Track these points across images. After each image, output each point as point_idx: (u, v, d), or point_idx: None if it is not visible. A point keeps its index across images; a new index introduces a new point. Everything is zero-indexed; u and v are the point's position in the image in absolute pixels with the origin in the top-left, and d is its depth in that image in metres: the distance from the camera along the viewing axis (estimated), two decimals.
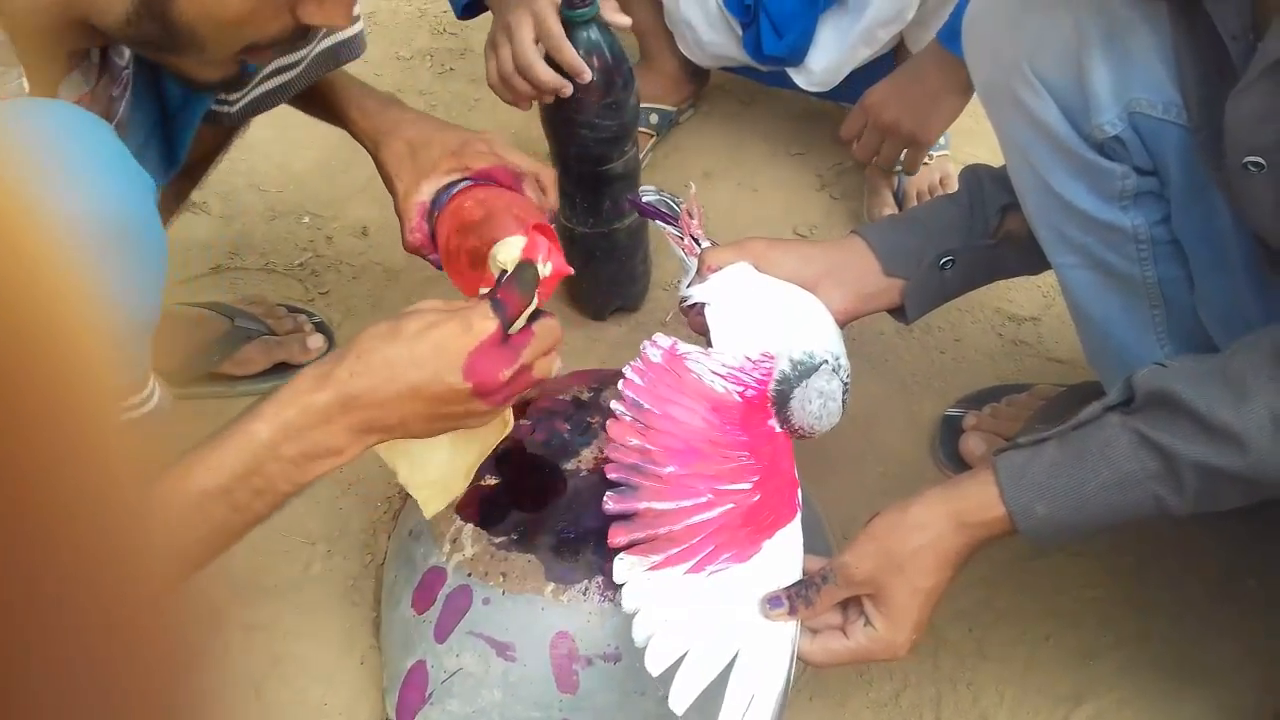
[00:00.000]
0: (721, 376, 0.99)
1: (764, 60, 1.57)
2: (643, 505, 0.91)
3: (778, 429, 0.99)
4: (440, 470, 0.94)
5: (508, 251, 0.92)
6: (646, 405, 0.95)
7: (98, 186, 0.78)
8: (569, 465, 1.09)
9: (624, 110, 1.26)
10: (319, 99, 1.21)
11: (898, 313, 1.14)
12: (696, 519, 0.91)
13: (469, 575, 1.03)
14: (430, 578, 1.06)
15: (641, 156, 1.64)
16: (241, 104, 1.16)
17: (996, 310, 1.48)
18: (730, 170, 1.69)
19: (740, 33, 1.58)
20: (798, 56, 1.55)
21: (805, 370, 0.99)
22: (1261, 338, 0.86)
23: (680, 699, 0.85)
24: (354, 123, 1.20)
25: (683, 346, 1.00)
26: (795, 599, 0.91)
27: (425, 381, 0.82)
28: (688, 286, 1.07)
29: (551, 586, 1.01)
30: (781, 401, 0.99)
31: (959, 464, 1.29)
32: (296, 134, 1.50)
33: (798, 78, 1.58)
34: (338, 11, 0.92)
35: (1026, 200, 1.07)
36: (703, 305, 1.05)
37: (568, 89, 1.21)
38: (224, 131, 1.23)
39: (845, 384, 1.02)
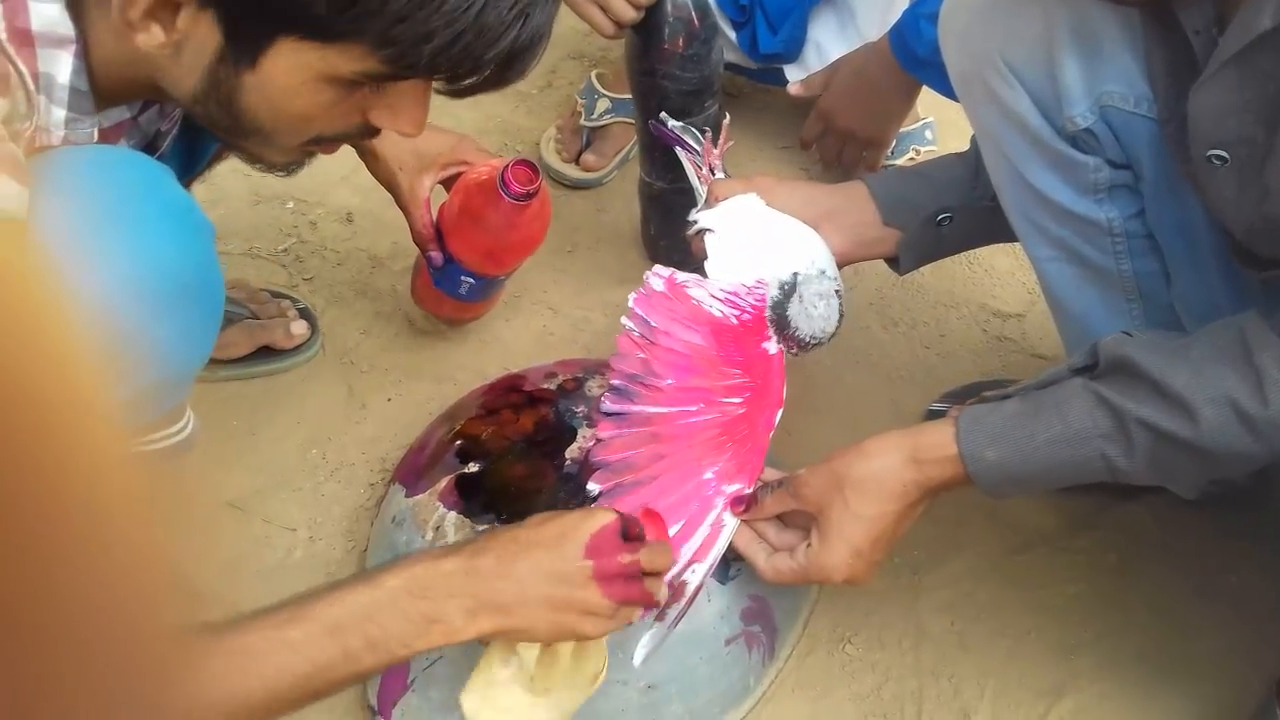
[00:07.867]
0: (719, 300, 1.04)
1: (760, 58, 1.58)
2: (636, 408, 0.98)
3: (772, 350, 1.03)
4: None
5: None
6: (654, 323, 1.02)
7: (158, 239, 0.78)
8: (555, 453, 1.08)
9: (705, 64, 1.25)
10: None
11: (893, 262, 1.17)
12: (680, 423, 0.99)
13: None
14: None
15: (627, 151, 1.63)
16: None
17: (981, 306, 1.48)
18: None
19: (733, 34, 1.57)
20: (793, 53, 1.56)
21: (795, 283, 1.04)
22: (1228, 323, 0.87)
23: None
24: None
25: (681, 275, 1.05)
26: (750, 499, 0.98)
27: (547, 556, 0.84)
28: (696, 213, 1.12)
29: None
30: (781, 322, 1.03)
31: None
32: None
33: (793, 75, 1.58)
34: (410, 121, 0.89)
35: (1003, 192, 1.07)
36: (707, 231, 1.09)
37: None
38: None
39: (838, 288, 1.07)
